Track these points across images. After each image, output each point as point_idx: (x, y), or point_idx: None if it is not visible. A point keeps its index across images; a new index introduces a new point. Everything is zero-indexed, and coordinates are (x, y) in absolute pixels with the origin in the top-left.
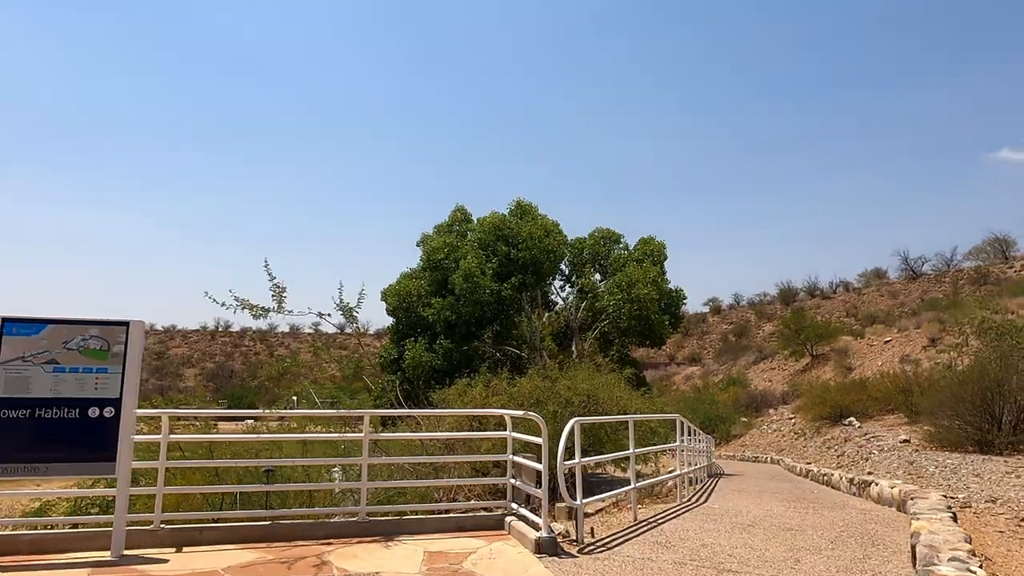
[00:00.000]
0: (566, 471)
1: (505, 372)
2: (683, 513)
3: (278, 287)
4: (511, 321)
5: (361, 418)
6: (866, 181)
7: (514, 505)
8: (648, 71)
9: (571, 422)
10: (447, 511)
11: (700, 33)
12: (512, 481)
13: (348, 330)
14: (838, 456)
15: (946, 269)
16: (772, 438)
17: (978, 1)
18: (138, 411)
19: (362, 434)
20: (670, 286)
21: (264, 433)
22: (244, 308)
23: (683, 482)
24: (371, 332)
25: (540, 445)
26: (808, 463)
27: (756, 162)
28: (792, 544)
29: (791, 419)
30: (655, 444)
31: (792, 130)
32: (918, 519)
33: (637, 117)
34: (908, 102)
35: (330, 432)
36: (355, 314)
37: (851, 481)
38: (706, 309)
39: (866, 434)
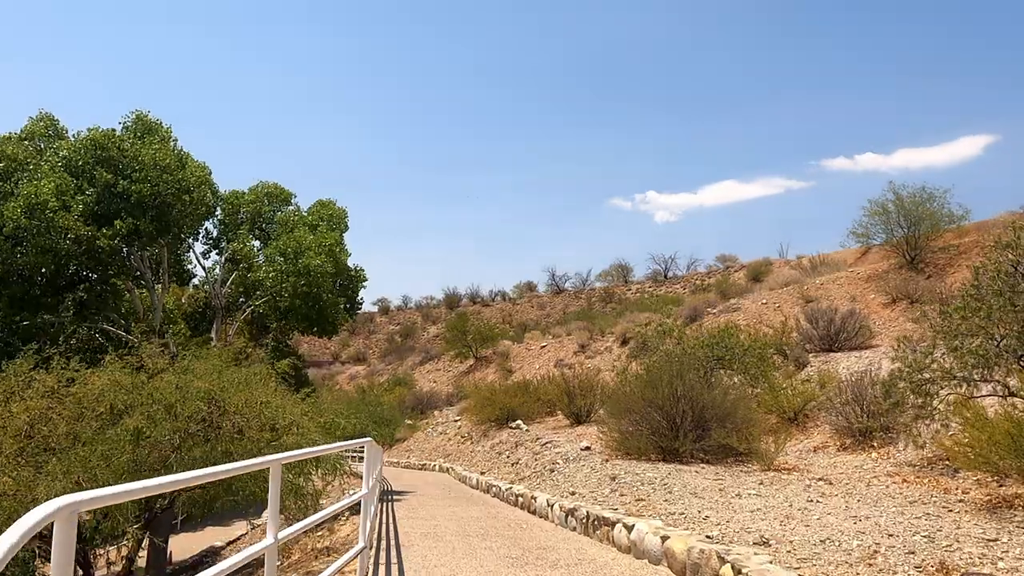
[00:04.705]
0: None
1: (74, 360)
2: None
3: None
4: (113, 287)
5: None
6: (523, 204)
7: None
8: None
9: (32, 517)
10: None
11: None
12: None
13: None
14: (513, 464)
15: (583, 287)
16: (438, 442)
17: (605, 79)
18: None
19: None
20: (350, 261)
21: None
22: None
23: (369, 550)
24: None
25: None
26: (482, 472)
27: (428, 175)
28: None
29: (456, 421)
30: (320, 474)
31: (464, 152)
32: None
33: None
34: (552, 145)
35: None
36: None
37: (570, 513)
38: (375, 309)
39: (539, 439)
